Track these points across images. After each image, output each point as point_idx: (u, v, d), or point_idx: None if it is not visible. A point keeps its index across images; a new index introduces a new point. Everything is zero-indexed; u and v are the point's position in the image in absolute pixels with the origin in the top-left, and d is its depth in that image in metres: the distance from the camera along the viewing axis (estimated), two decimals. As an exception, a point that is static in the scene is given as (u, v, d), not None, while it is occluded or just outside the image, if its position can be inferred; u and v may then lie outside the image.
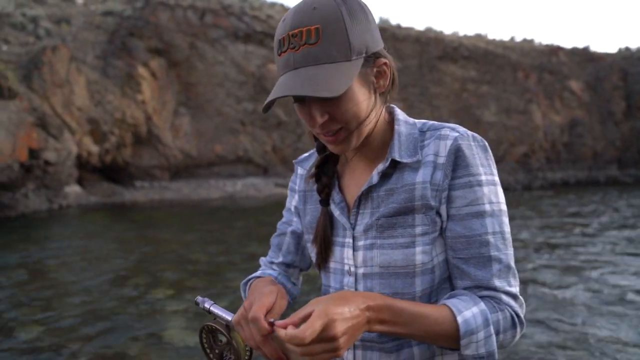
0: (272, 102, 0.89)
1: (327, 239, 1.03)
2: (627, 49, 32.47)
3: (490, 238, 0.90)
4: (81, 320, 5.00)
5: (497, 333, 0.87)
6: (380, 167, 0.96)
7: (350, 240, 1.00)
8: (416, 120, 1.01)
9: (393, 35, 24.32)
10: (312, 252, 1.09)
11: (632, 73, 29.70)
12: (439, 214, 0.94)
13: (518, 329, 0.89)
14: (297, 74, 0.85)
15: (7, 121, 13.71)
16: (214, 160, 20.88)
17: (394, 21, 38.54)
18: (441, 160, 0.92)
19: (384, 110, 0.99)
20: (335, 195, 1.03)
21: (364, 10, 0.90)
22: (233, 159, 21.14)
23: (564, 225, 11.92)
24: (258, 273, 1.17)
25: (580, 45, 32.05)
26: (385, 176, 0.97)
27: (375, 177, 0.96)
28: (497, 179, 0.94)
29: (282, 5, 30.36)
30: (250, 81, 21.49)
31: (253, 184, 20.76)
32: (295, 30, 0.85)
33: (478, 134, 0.97)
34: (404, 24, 29.24)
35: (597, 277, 6.76)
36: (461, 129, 0.95)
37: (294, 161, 1.17)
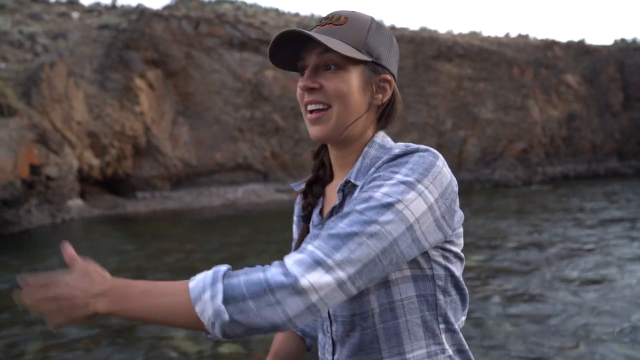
0: (277, 49, 0.95)
1: None
2: (622, 40, 32.48)
3: (353, 214, 0.79)
4: (85, 334, 5.10)
5: (241, 298, 0.73)
6: (339, 186, 0.97)
7: None
8: (395, 145, 0.98)
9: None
10: None
11: (629, 64, 29.71)
12: None
13: (278, 295, 0.72)
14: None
15: (8, 138, 13.85)
16: (214, 168, 21.00)
17: (388, 22, 38.60)
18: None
19: (372, 131, 1.00)
20: (315, 217, 1.05)
21: (391, 37, 1.01)
22: (233, 166, 21.25)
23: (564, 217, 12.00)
24: None
25: (576, 39, 32.05)
26: (347, 196, 0.96)
27: (338, 197, 0.97)
28: (421, 187, 0.82)
29: (276, 11, 30.52)
30: (247, 88, 21.61)
31: (254, 190, 20.87)
32: (329, 15, 0.98)
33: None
34: (398, 25, 29.33)
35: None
36: (414, 145, 0.90)
37: (291, 185, 1.17)
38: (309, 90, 0.95)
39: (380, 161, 0.89)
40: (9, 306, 6.30)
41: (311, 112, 0.96)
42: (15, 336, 5.12)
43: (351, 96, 0.94)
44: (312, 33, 0.91)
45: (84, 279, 0.79)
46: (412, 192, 0.81)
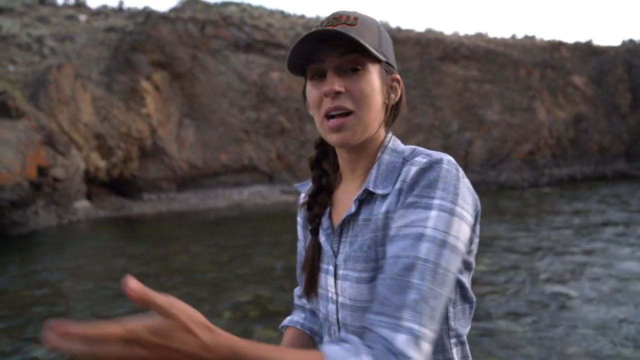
0: (297, 58, 0.92)
1: (315, 269, 1.02)
2: (631, 41, 32.25)
3: (420, 264, 0.79)
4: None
5: None
6: (357, 195, 0.95)
7: (333, 268, 0.98)
8: (406, 148, 0.98)
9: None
10: (301, 279, 1.09)
11: (637, 65, 29.48)
12: None
13: None
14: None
15: (16, 140, 13.94)
16: (220, 170, 21.04)
17: (393, 24, 38.57)
18: (404, 185, 0.88)
19: (384, 133, 1.00)
20: (324, 222, 1.02)
21: (389, 37, 1.00)
22: (238, 167, 21.29)
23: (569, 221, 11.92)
24: (287, 321, 1.20)
25: (583, 40, 31.86)
26: (363, 204, 0.95)
27: (353, 205, 0.95)
28: (459, 210, 0.84)
29: (282, 13, 30.57)
30: (253, 90, 21.65)
31: (259, 192, 20.89)
32: (336, 15, 0.94)
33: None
34: (403, 27, 29.32)
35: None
36: (438, 154, 0.89)
37: (295, 185, 1.17)
38: (335, 94, 0.91)
39: (408, 176, 0.87)
40: (15, 306, 6.32)
41: (332, 117, 0.92)
42: (20, 336, 5.14)
43: (374, 98, 0.93)
44: (348, 33, 0.88)
45: (185, 337, 0.61)
46: (455, 219, 0.83)
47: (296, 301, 1.25)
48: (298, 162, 21.55)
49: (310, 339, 1.17)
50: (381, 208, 0.90)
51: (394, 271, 0.80)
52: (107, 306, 6.20)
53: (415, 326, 0.76)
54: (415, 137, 23.42)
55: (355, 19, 0.93)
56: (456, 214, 0.83)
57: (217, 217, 16.20)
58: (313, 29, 0.91)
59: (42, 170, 14.58)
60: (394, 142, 1.00)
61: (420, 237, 0.80)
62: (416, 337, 0.76)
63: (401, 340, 0.75)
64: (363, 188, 0.94)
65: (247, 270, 8.01)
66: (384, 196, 0.91)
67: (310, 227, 1.05)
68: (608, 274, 6.77)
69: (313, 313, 1.20)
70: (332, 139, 0.93)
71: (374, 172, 0.95)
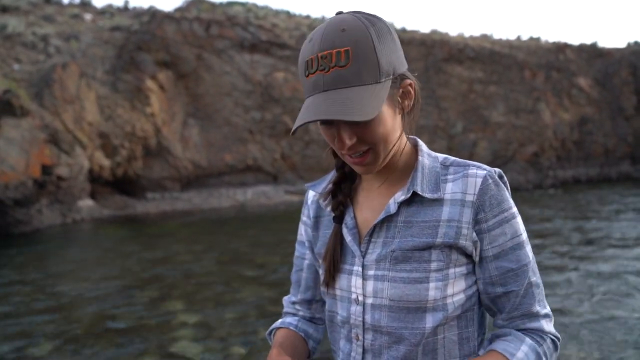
0: (302, 125, 0.88)
1: (337, 258, 1.01)
2: (636, 43, 32.11)
3: (531, 265, 0.95)
4: (93, 334, 5.12)
5: None
6: (400, 196, 0.95)
7: (360, 269, 0.97)
8: (437, 154, 1.02)
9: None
10: (321, 271, 1.07)
11: (642, 67, 29.32)
12: (460, 250, 0.93)
13: (558, 350, 0.96)
14: (327, 97, 0.83)
15: (20, 139, 13.98)
16: (224, 170, 21.05)
17: (398, 25, 38.54)
18: (471, 198, 0.92)
19: (406, 137, 1.01)
20: (349, 220, 1.01)
21: (390, 32, 0.91)
22: (243, 167, 21.29)
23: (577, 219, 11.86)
24: (278, 323, 1.17)
25: (588, 41, 31.72)
26: (403, 206, 0.96)
27: (393, 206, 0.95)
28: (516, 209, 0.98)
29: (287, 13, 30.58)
30: (258, 90, 21.66)
31: (263, 192, 20.89)
32: (325, 52, 0.84)
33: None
34: (408, 27, 29.25)
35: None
36: (486, 167, 0.95)
37: (306, 185, 1.14)
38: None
39: (476, 188, 0.93)
40: (17, 305, 6.34)
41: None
42: (21, 335, 5.14)
43: (388, 128, 0.91)
44: (340, 116, 0.82)
45: None
46: (519, 217, 0.97)
47: (287, 308, 1.21)
48: (303, 162, 21.54)
49: (304, 341, 1.13)
50: (438, 215, 0.93)
51: (520, 282, 0.94)
52: (111, 305, 6.21)
53: (546, 310, 0.97)
54: (420, 138, 23.12)
55: (347, 53, 0.83)
56: (518, 213, 0.97)
57: (220, 216, 16.21)
58: (310, 90, 0.87)
59: (46, 169, 14.62)
60: (425, 147, 1.05)
61: (521, 246, 0.95)
62: (550, 317, 0.98)
63: (545, 324, 0.95)
64: (410, 191, 0.94)
65: (250, 270, 8.00)
66: (435, 200, 0.93)
67: (333, 215, 1.03)
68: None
69: (308, 319, 1.18)
70: (357, 170, 0.96)
71: (418, 175, 0.96)
